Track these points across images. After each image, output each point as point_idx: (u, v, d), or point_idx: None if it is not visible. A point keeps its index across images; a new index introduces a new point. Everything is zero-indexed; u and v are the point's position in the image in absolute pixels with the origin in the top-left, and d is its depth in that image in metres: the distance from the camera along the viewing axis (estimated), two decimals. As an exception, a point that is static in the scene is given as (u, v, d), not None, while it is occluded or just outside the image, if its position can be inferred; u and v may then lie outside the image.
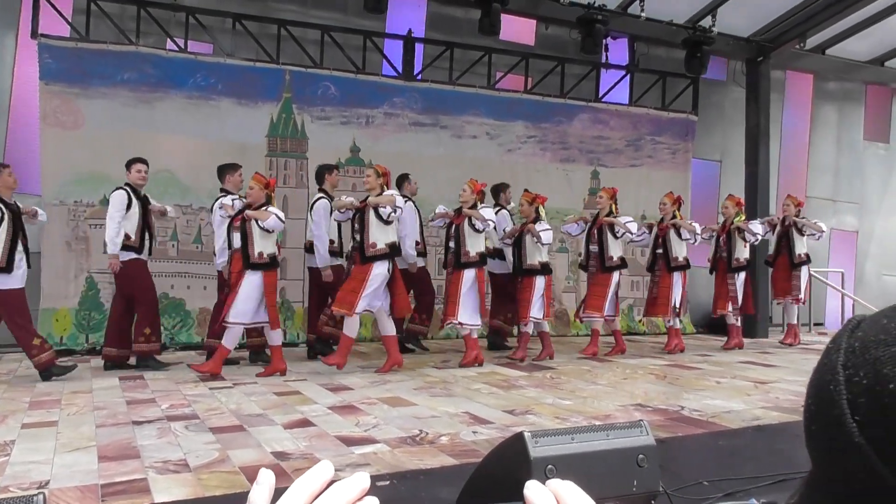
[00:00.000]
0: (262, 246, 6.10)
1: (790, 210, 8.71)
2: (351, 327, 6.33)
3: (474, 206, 6.74)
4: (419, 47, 9.36)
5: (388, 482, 3.22)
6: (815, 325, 11.09)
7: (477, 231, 6.70)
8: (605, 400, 5.18)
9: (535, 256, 7.15)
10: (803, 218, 8.71)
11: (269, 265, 6.16)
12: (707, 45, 9.57)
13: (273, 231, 6.15)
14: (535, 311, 7.13)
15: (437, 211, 7.12)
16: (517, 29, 9.86)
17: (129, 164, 6.61)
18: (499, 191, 8.18)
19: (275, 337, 6.32)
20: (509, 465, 2.49)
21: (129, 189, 6.49)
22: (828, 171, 12.22)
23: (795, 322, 8.89)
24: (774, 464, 3.53)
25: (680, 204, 8.12)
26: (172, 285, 7.95)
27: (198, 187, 7.99)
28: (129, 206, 6.41)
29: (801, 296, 8.66)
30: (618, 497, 2.57)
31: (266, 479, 0.64)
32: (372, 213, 6.23)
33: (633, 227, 7.54)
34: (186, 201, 8.07)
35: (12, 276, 5.81)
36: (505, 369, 6.71)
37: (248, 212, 6.14)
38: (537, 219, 7.17)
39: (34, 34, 7.63)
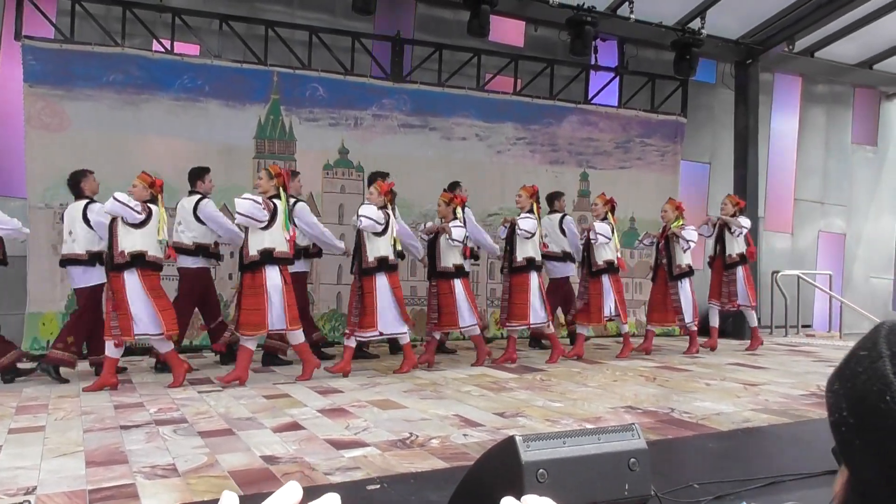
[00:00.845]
0: (126, 243, 5.63)
1: (727, 209, 8.42)
2: (299, 336, 6.09)
3: (384, 208, 6.40)
4: (408, 49, 9.34)
5: (378, 486, 3.20)
6: (804, 326, 11.13)
7: (375, 235, 6.32)
8: (596, 402, 5.17)
9: (450, 259, 6.84)
10: (732, 217, 8.33)
11: (130, 264, 5.63)
12: (696, 48, 9.59)
13: (133, 222, 5.65)
14: (466, 318, 6.84)
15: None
16: (506, 30, 9.87)
17: (202, 174, 6.94)
18: (553, 198, 8.51)
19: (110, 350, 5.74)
20: (501, 469, 2.46)
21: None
22: (816, 174, 12.28)
23: (756, 325, 8.56)
24: (765, 466, 3.53)
25: (613, 206, 7.81)
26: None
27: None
28: None
29: (740, 300, 8.28)
30: (609, 501, 2.54)
31: (229, 502, 0.61)
32: None
33: (527, 224, 7.07)
34: (173, 204, 7.97)
35: (99, 270, 6.21)
36: (495, 371, 6.69)
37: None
38: (454, 220, 6.89)
39: (18, 36, 7.56)
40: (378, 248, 6.31)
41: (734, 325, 10.13)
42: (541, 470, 2.22)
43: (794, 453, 4.03)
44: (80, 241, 6.22)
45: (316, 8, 9.11)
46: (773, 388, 5.82)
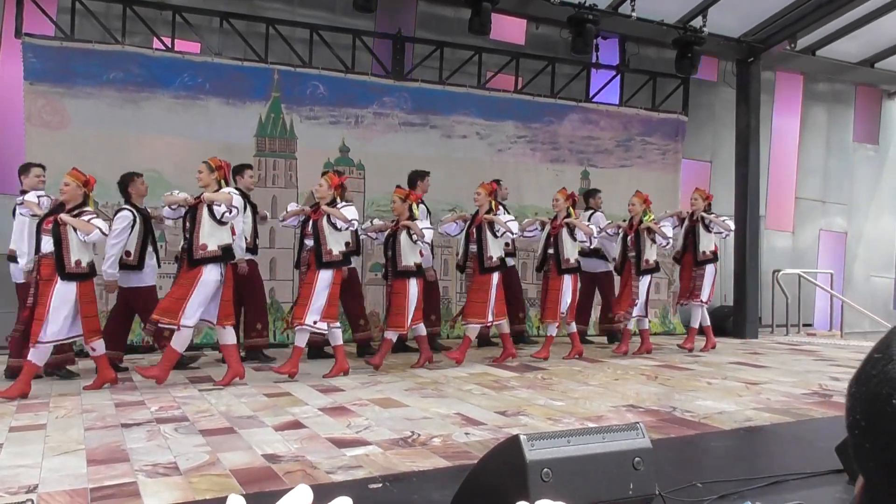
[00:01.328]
0: (80, 254, 5.43)
1: (698, 204, 8.14)
2: (180, 341, 5.72)
3: (333, 203, 6.18)
4: (409, 46, 9.33)
5: (380, 484, 3.19)
6: (804, 325, 11.13)
7: (337, 229, 6.14)
8: (597, 401, 5.16)
9: (410, 258, 6.59)
10: (711, 214, 8.18)
11: (87, 275, 5.49)
12: (698, 46, 9.57)
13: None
14: (413, 319, 6.59)
15: (288, 209, 6.68)
16: (507, 28, 9.85)
17: (242, 171, 7.16)
18: (589, 196, 8.67)
19: (98, 348, 5.64)
20: (505, 468, 2.46)
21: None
22: (817, 173, 12.26)
23: (697, 326, 8.22)
24: (767, 465, 3.52)
25: (574, 201, 7.63)
26: (160, 286, 7.87)
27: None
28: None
29: (705, 297, 8.05)
30: (614, 500, 2.54)
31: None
32: (205, 212, 5.69)
33: (515, 226, 7.02)
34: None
35: (143, 273, 6.42)
36: (496, 370, 6.69)
37: (63, 216, 5.41)
38: (411, 217, 6.63)
39: (18, 33, 7.54)
40: (340, 243, 6.21)
41: (734, 324, 10.14)
42: (545, 469, 2.22)
43: (796, 452, 4.02)
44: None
45: (317, 5, 9.09)
46: (774, 386, 5.81)
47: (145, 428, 4.28)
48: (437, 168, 8.71)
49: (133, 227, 6.31)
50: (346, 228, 6.19)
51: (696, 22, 9.63)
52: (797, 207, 12.09)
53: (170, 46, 8.19)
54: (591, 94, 10.38)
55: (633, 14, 9.16)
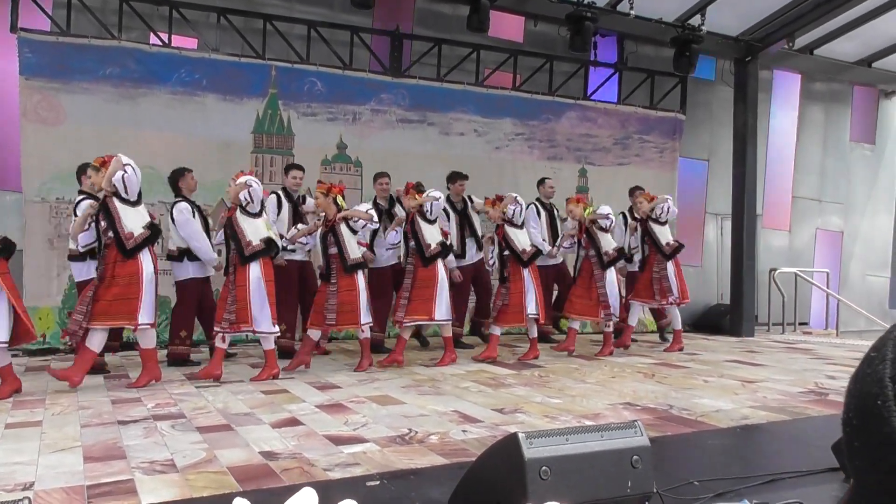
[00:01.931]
0: None
1: (644, 206, 7.98)
2: (150, 338, 5.65)
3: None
4: (407, 43, 9.31)
5: (378, 482, 3.19)
6: (801, 324, 11.15)
7: (251, 215, 5.93)
8: (595, 399, 5.17)
9: (357, 250, 6.38)
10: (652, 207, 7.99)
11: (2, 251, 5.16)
12: (696, 44, 9.56)
13: None
14: (364, 315, 6.32)
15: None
16: (506, 25, 9.84)
17: (287, 169, 7.36)
18: (630, 193, 8.47)
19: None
20: (503, 465, 2.46)
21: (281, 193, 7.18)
22: (814, 172, 12.27)
23: (680, 327, 8.06)
24: (764, 464, 3.52)
25: (499, 202, 7.36)
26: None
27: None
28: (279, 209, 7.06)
29: (678, 295, 7.78)
30: (612, 498, 2.54)
31: None
32: (116, 202, 5.57)
33: (439, 204, 6.86)
34: (171, 199, 7.96)
35: (195, 265, 6.60)
36: (493, 367, 6.68)
37: None
38: (339, 211, 6.36)
39: (13, 28, 7.50)
40: (258, 234, 5.93)
41: (731, 322, 10.15)
42: (544, 467, 2.22)
43: (793, 451, 4.03)
44: (173, 237, 6.65)
45: (314, 2, 9.07)
46: (770, 385, 5.82)
47: (142, 425, 4.27)
48: (434, 165, 8.70)
49: (194, 216, 6.55)
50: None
51: (695, 20, 9.62)
52: (794, 206, 12.11)
53: (167, 42, 8.16)
54: (588, 92, 10.38)
55: (632, 12, 9.14)
